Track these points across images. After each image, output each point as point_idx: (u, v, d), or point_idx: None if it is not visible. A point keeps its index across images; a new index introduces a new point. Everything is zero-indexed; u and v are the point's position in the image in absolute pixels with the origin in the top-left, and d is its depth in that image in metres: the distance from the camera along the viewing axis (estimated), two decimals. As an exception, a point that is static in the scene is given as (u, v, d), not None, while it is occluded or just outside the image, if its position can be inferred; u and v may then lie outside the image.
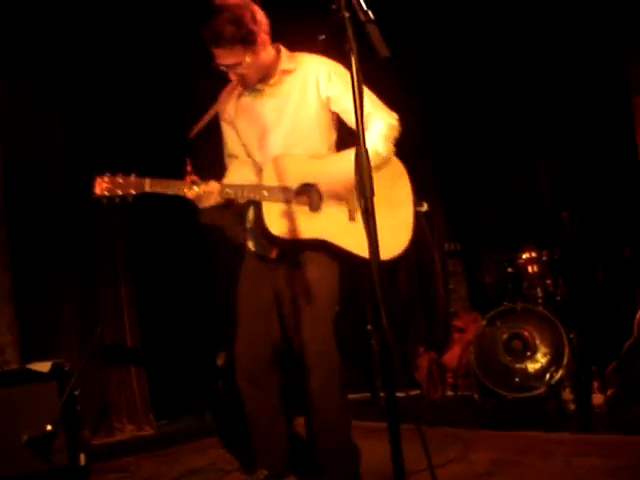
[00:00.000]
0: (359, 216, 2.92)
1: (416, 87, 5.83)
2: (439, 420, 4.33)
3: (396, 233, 3.02)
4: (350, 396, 3.47)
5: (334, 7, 2.16)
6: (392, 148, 3.00)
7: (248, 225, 3.14)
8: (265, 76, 2.99)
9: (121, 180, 2.82)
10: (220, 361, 4.84)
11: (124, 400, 4.77)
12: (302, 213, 2.90)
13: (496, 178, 6.35)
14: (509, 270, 5.14)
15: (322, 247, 2.93)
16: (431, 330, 5.96)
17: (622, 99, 5.25)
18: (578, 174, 5.71)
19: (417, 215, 3.12)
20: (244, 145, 3.10)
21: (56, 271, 4.60)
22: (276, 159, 2.93)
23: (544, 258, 5.05)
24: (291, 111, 2.99)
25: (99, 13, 4.60)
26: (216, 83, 4.17)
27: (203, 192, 2.83)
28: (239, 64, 2.86)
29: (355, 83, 2.15)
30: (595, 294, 5.29)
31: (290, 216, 2.86)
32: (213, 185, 2.85)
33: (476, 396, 4.78)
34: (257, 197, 2.88)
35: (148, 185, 2.82)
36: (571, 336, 4.65)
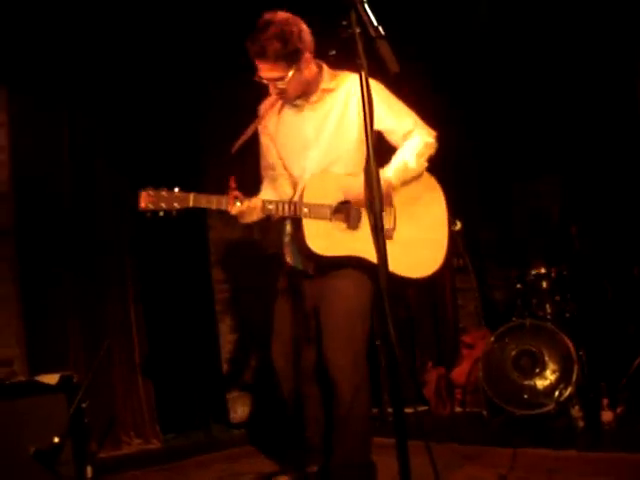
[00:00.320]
0: (396, 235, 3.03)
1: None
2: (447, 436, 4.30)
3: (431, 251, 3.10)
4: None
5: (345, 23, 2.18)
6: (424, 164, 3.09)
7: (286, 239, 3.20)
8: (305, 93, 3.06)
9: (165, 194, 2.87)
10: None
11: (131, 413, 4.77)
12: (340, 230, 2.98)
13: (505, 194, 6.35)
14: (518, 286, 5.13)
15: (358, 264, 2.96)
16: (440, 346, 5.94)
17: (631, 116, 5.24)
18: (587, 191, 5.71)
19: (451, 234, 3.18)
20: (282, 159, 3.17)
21: (64, 284, 4.61)
22: (316, 177, 3.02)
23: (553, 275, 5.03)
24: (331, 129, 3.06)
25: (105, 21, 4.61)
26: (229, 95, 4.20)
27: (247, 208, 2.90)
28: (281, 79, 2.92)
29: (365, 97, 2.16)
30: (604, 311, 5.27)
31: (329, 233, 2.94)
32: (256, 201, 2.93)
33: (485, 412, 4.76)
34: (297, 214, 2.94)
35: (192, 200, 2.87)
36: (580, 353, 4.63)
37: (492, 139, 6.04)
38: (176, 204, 2.85)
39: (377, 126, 3.03)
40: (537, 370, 4.64)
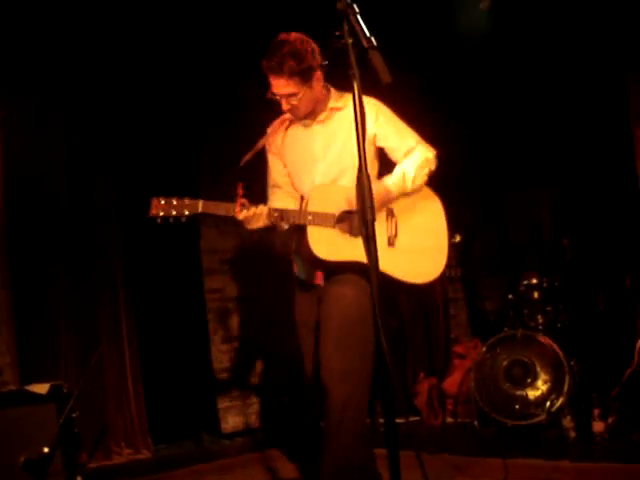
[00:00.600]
0: (398, 242, 3.14)
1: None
2: (439, 447, 4.30)
3: (433, 257, 3.21)
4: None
5: (337, 33, 2.20)
6: (424, 178, 3.21)
7: (293, 252, 3.35)
8: (314, 111, 3.18)
9: (175, 202, 2.98)
10: None
11: (122, 423, 4.74)
12: (343, 238, 3.08)
13: (497, 205, 6.37)
14: (510, 297, 5.14)
15: (360, 270, 2.97)
16: (431, 356, 5.94)
17: (623, 129, 5.27)
18: (579, 202, 5.73)
19: (450, 246, 3.29)
20: (289, 176, 3.30)
21: (55, 292, 4.59)
22: (320, 187, 3.15)
23: (545, 285, 5.05)
24: (338, 146, 3.17)
25: (99, 25, 4.60)
26: (224, 100, 4.21)
27: (253, 214, 3.00)
28: (294, 95, 3.05)
29: (357, 107, 2.17)
30: (596, 321, 5.29)
31: (332, 240, 3.06)
32: (262, 208, 3.03)
33: (476, 423, 4.76)
34: (302, 221, 3.06)
35: (201, 206, 2.99)
36: (572, 363, 4.63)
37: (485, 151, 6.07)
38: (186, 211, 2.97)
39: (380, 143, 3.22)
40: (528, 380, 4.65)
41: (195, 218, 3.03)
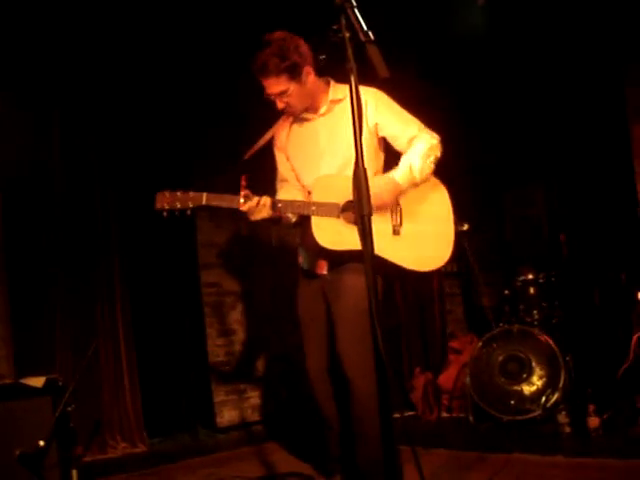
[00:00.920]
0: (403, 231, 3.13)
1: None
2: (434, 442, 4.31)
3: (438, 247, 3.18)
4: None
5: (335, 27, 2.19)
6: (431, 167, 3.18)
7: (299, 243, 3.35)
8: (312, 106, 3.20)
9: (180, 195, 3.03)
10: None
11: (117, 417, 4.75)
12: (348, 227, 3.07)
13: (494, 201, 6.38)
14: (506, 292, 5.15)
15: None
16: (427, 351, 5.95)
17: (620, 125, 5.27)
18: (576, 199, 5.73)
19: (458, 234, 3.25)
20: (294, 171, 3.31)
21: (52, 286, 4.59)
22: (324, 178, 3.14)
23: (541, 281, 5.06)
24: (342, 138, 3.15)
25: (95, 23, 4.58)
26: (220, 97, 4.18)
27: (256, 205, 3.02)
28: (285, 92, 3.08)
29: (354, 101, 2.16)
30: (591, 317, 5.29)
31: (336, 229, 3.04)
32: (265, 199, 3.05)
33: (471, 418, 4.77)
34: (306, 212, 3.07)
35: (205, 199, 3.03)
36: (567, 359, 4.64)
37: (482, 148, 6.07)
38: (190, 203, 3.01)
39: (382, 133, 3.21)
40: (524, 376, 4.66)
41: (193, 212, 3.04)
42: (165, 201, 3.01)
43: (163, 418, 5.06)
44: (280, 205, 3.07)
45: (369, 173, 3.05)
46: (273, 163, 3.39)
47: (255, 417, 5.45)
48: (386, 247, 3.04)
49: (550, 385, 4.56)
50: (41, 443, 3.39)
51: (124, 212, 4.91)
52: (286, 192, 3.30)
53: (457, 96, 5.85)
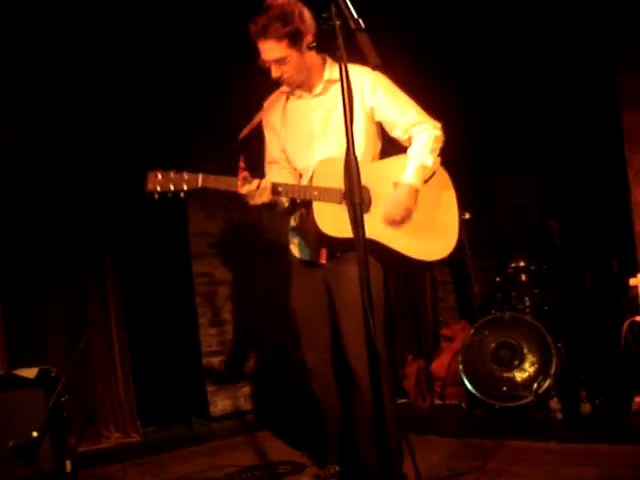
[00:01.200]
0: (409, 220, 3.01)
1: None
2: (427, 429, 4.33)
3: (443, 236, 3.10)
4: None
5: (325, 15, 2.17)
6: (439, 160, 3.09)
7: (291, 232, 3.19)
8: (307, 82, 3.05)
9: (174, 175, 2.81)
10: None
11: (111, 407, 4.74)
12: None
13: (485, 188, 6.38)
14: (497, 279, 5.16)
15: (370, 248, 2.93)
16: (419, 338, 5.96)
17: (611, 113, 5.27)
18: (567, 186, 5.75)
19: (461, 223, 3.20)
20: (287, 152, 3.15)
21: (43, 276, 4.57)
22: (325, 161, 2.97)
23: (532, 268, 5.07)
24: (337, 120, 3.00)
25: (83, 8, 4.55)
26: (206, 82, 4.12)
27: (257, 188, 2.85)
28: (283, 59, 2.91)
29: (345, 89, 2.16)
30: (583, 304, 5.32)
31: (339, 216, 2.83)
32: (266, 182, 2.87)
33: (464, 405, 4.79)
34: (308, 197, 2.91)
35: (201, 180, 2.82)
36: (559, 345, 4.67)
37: (474, 135, 6.06)
38: (185, 185, 2.81)
39: (379, 117, 3.06)
40: (516, 362, 4.68)
41: (182, 201, 2.90)
42: (157, 182, 2.79)
43: (156, 408, 5.06)
44: (280, 189, 2.90)
45: (367, 159, 3.04)
46: (261, 145, 3.23)
47: (248, 406, 5.46)
48: (387, 234, 2.96)
49: (542, 372, 4.58)
50: (34, 434, 3.39)
51: (115, 201, 4.87)
52: (277, 174, 3.13)
53: (444, 83, 5.84)
